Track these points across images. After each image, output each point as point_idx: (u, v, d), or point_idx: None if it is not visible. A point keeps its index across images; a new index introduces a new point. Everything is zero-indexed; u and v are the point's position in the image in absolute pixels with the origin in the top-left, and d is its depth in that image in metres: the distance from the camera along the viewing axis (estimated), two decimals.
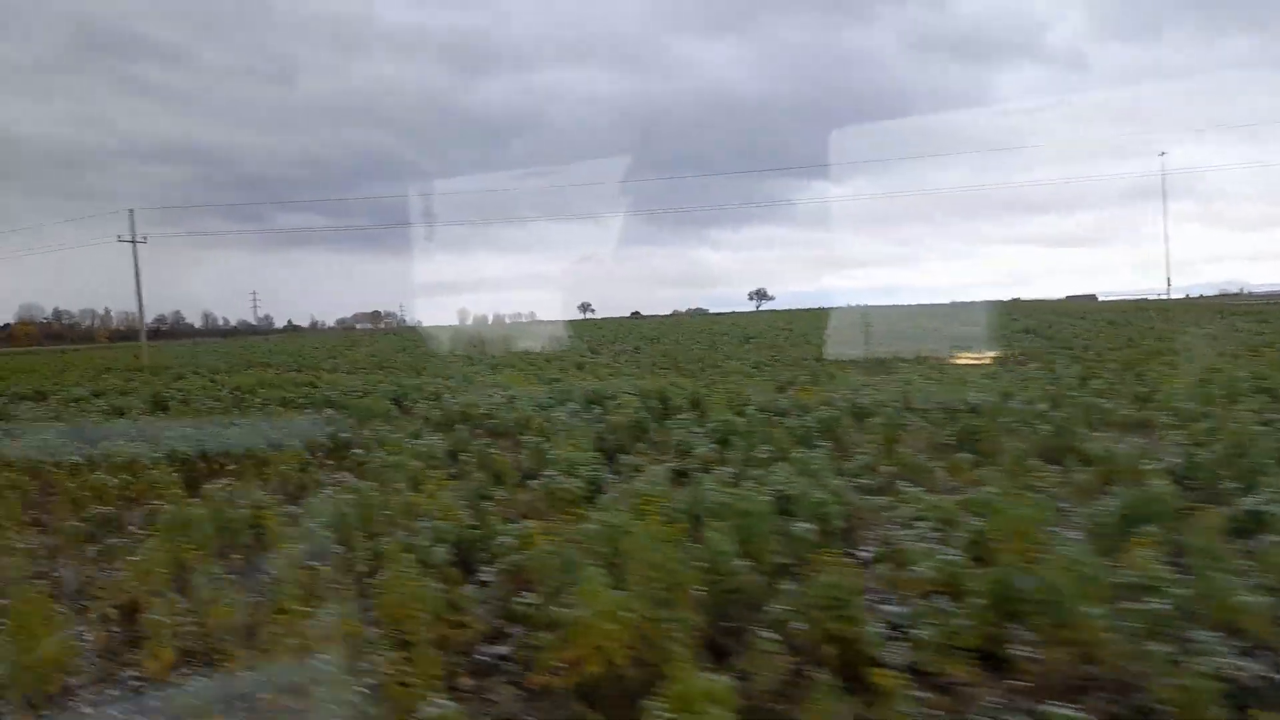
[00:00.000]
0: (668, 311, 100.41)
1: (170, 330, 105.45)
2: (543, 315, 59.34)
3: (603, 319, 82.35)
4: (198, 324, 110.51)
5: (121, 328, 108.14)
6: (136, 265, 43.86)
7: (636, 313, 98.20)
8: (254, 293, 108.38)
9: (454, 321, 65.44)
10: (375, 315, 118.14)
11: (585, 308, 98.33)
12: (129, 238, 42.51)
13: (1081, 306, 53.74)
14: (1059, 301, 64.68)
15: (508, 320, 65.31)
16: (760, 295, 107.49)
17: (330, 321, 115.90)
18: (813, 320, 43.45)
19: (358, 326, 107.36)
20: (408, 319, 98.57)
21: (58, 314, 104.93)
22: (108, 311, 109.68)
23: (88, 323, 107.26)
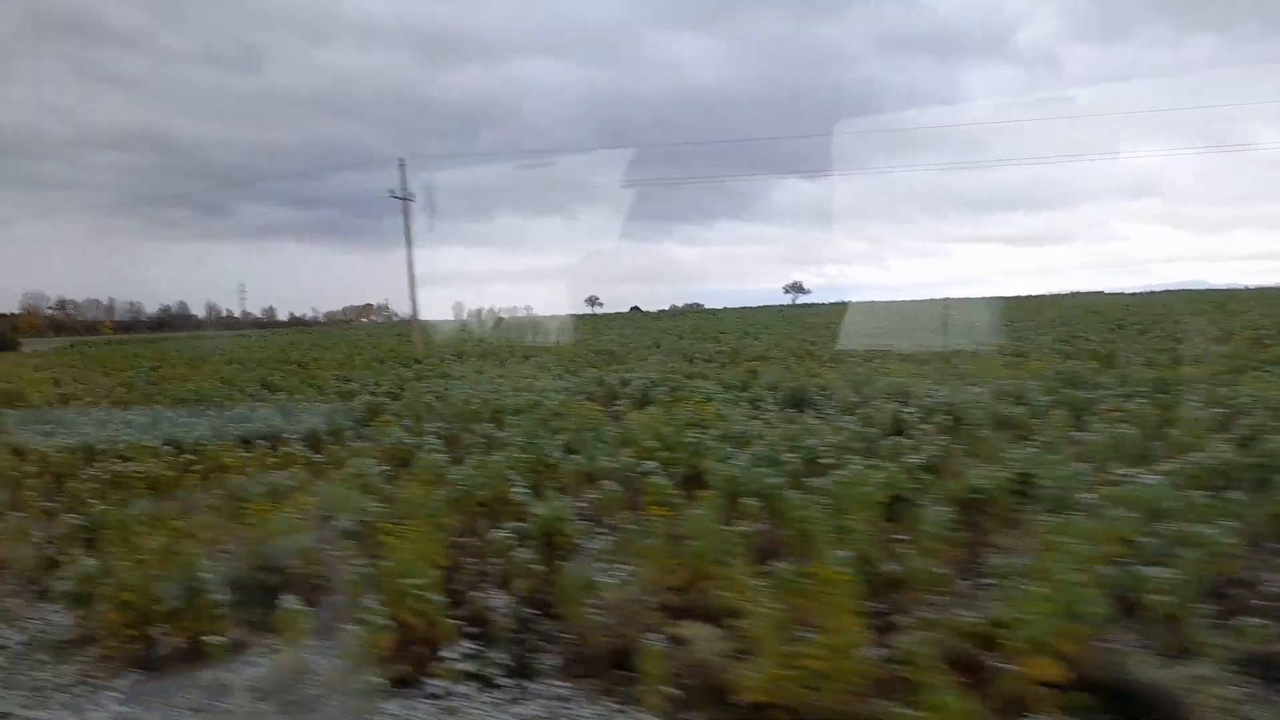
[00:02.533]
0: (665, 306, 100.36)
1: (173, 322, 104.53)
2: (542, 310, 55.87)
3: (609, 314, 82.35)
4: (201, 315, 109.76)
5: (125, 318, 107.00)
6: (408, 227, 33.03)
7: (636, 308, 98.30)
8: (242, 284, 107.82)
9: (449, 315, 62.57)
10: (366, 308, 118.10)
11: (593, 301, 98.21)
12: (398, 196, 33.01)
13: (1097, 301, 54.34)
14: (1069, 296, 65.78)
15: (503, 314, 63.34)
16: (797, 289, 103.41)
17: (318, 315, 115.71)
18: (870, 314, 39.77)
19: (366, 319, 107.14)
20: (399, 312, 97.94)
21: (61, 303, 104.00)
22: (111, 301, 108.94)
23: (92, 313, 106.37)
